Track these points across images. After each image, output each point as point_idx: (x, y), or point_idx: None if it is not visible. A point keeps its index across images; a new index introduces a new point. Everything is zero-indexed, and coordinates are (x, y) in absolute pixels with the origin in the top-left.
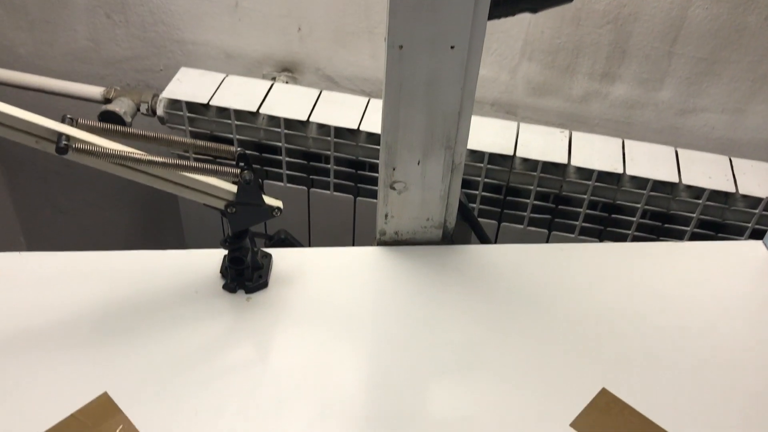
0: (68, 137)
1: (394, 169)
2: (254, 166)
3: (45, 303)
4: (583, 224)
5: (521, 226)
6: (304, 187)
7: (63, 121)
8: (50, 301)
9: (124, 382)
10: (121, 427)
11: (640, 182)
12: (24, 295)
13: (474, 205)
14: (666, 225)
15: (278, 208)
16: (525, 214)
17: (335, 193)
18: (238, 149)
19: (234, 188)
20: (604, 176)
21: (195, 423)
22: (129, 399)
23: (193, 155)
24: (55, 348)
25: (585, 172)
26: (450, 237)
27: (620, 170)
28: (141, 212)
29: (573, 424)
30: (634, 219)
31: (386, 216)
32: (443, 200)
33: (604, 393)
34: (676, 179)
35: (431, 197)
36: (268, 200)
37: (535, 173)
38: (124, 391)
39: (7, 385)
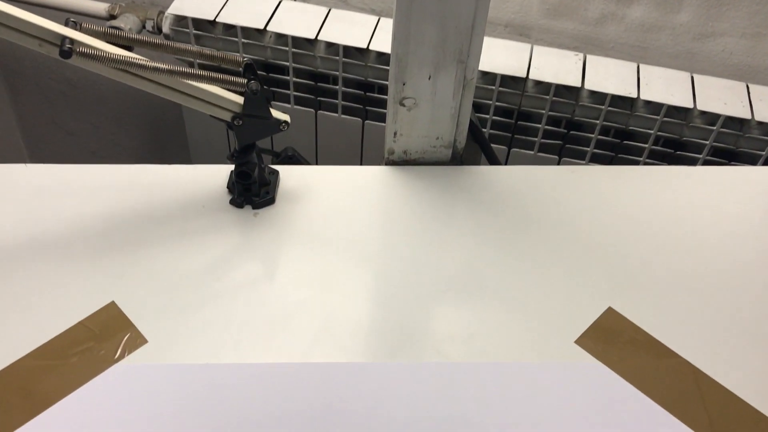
0: (72, 41)
1: (404, 84)
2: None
3: (51, 215)
4: (595, 150)
5: (531, 152)
6: (312, 110)
7: (66, 24)
8: (56, 213)
9: (131, 293)
10: (128, 335)
11: (653, 107)
12: (30, 206)
13: (484, 130)
14: (678, 152)
15: (285, 122)
16: (536, 139)
17: (343, 116)
18: (245, 58)
19: (240, 99)
20: (618, 101)
21: (201, 333)
22: (136, 309)
23: (199, 66)
24: (61, 258)
25: (598, 96)
26: (459, 158)
27: (634, 95)
28: (147, 135)
29: (578, 342)
30: (647, 145)
31: (395, 134)
32: (453, 119)
33: (610, 312)
34: (690, 105)
35: (441, 115)
36: (276, 113)
37: (547, 97)
38: (131, 301)
39: (16, 293)
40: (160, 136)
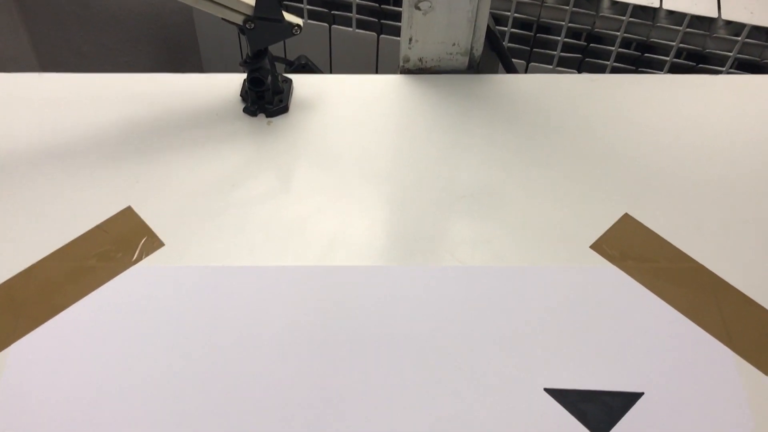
0: None
1: None
2: None
3: (66, 123)
4: (615, 64)
5: (550, 66)
6: (326, 24)
7: None
8: (71, 121)
9: (147, 198)
10: (145, 239)
11: (676, 18)
12: (46, 115)
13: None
14: (700, 65)
15: (298, 26)
16: (555, 53)
17: (358, 31)
18: None
19: (252, 1)
20: (639, 11)
21: (217, 238)
22: (152, 214)
23: None
24: (78, 165)
25: (619, 7)
26: (476, 66)
27: (656, 4)
28: (161, 56)
29: (593, 247)
30: (668, 58)
31: (410, 40)
32: (470, 23)
33: (626, 218)
34: (715, 14)
35: (458, 19)
36: (288, 17)
37: (567, 7)
38: (147, 206)
39: (34, 198)
40: (174, 58)
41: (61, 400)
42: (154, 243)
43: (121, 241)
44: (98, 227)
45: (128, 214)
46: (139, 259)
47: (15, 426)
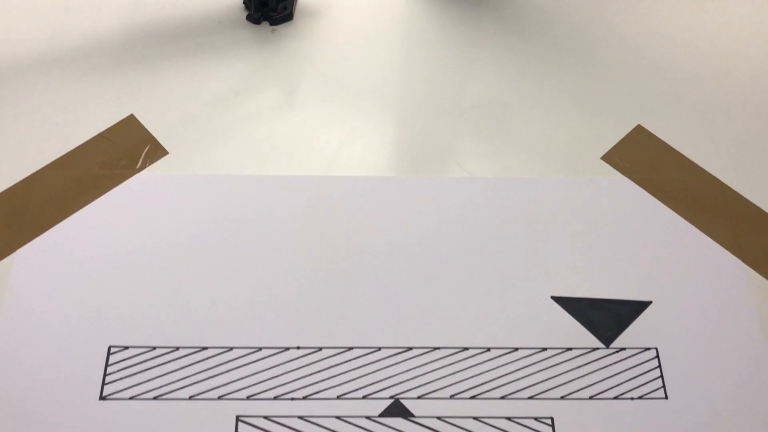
0: None
1: None
2: None
3: (67, 28)
4: None
5: None
6: None
7: None
8: (72, 26)
9: (150, 106)
10: (149, 147)
11: None
12: (45, 21)
13: None
14: None
15: None
16: None
17: None
18: None
19: None
20: None
21: (222, 146)
22: (155, 122)
23: None
24: (79, 72)
25: None
26: None
27: None
28: None
29: (604, 158)
30: None
31: None
32: None
33: (638, 129)
34: None
35: None
36: None
37: None
38: (150, 114)
39: (35, 106)
40: None
41: (67, 305)
42: (157, 151)
43: (124, 149)
44: (101, 135)
45: (131, 122)
46: (143, 167)
47: (21, 330)
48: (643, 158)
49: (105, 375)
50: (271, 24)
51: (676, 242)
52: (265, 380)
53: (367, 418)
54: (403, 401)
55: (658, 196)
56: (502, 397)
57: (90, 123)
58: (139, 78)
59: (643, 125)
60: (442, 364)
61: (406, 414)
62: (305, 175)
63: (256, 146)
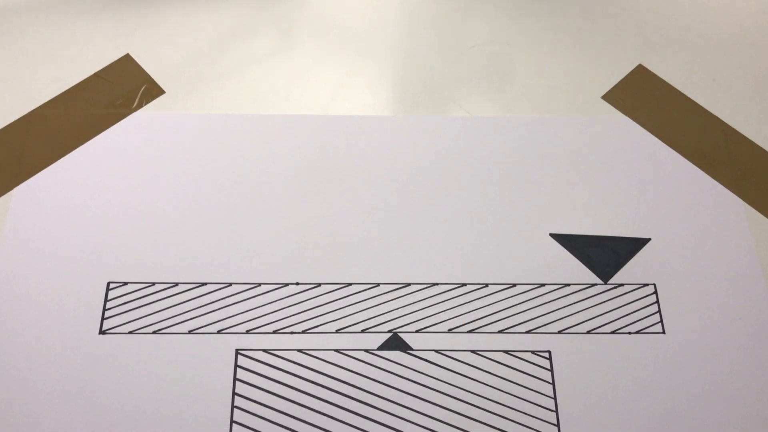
0: None
1: None
2: None
3: None
4: None
5: None
6: None
7: None
8: None
9: (145, 46)
10: (145, 86)
11: None
12: None
13: None
14: None
15: None
16: None
17: None
18: None
19: None
20: None
21: (218, 86)
22: (151, 61)
23: None
24: (74, 11)
25: None
26: None
27: None
28: None
29: (605, 97)
30: None
31: None
32: None
33: (640, 69)
34: None
35: None
36: None
37: None
38: (146, 54)
39: (31, 45)
40: None
41: (64, 242)
42: (153, 90)
43: (120, 89)
44: (96, 75)
45: (127, 61)
46: (139, 106)
47: (20, 267)
48: (644, 98)
49: (104, 310)
50: None
51: (676, 181)
52: (264, 315)
53: (366, 351)
54: (401, 335)
55: (659, 136)
56: (500, 332)
57: (86, 62)
58: (134, 17)
59: (644, 65)
60: (441, 300)
61: (404, 347)
62: (303, 114)
63: (253, 86)
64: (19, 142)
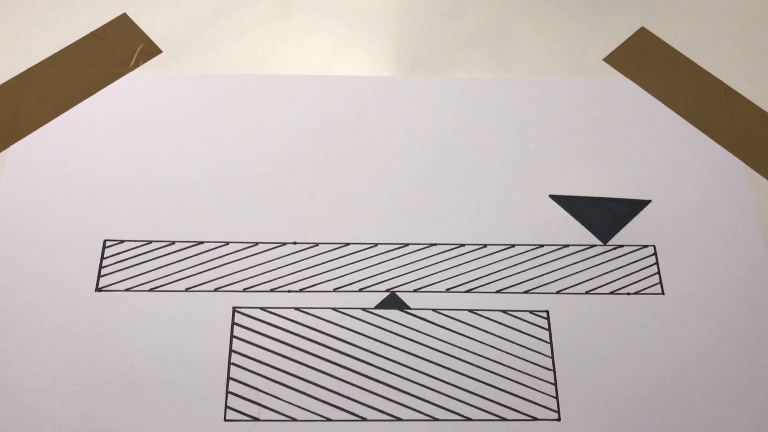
0: None
1: None
2: None
3: None
4: None
5: None
6: None
7: None
8: None
9: (142, 5)
10: (141, 46)
11: None
12: None
13: None
14: None
15: None
16: None
17: None
18: None
19: None
20: None
21: (216, 46)
22: (148, 21)
23: None
24: None
25: None
26: None
27: None
28: None
29: (607, 60)
30: None
31: None
32: None
33: (642, 31)
34: None
35: None
36: None
37: None
38: (142, 13)
39: (26, 4)
40: None
41: (60, 200)
42: (150, 50)
43: (116, 48)
44: (93, 34)
45: (124, 20)
46: (136, 65)
47: (15, 225)
48: (646, 60)
49: (100, 267)
50: None
51: (678, 143)
52: (261, 273)
53: (363, 309)
54: (399, 294)
55: (661, 98)
56: (498, 291)
57: (82, 21)
58: None
59: (646, 27)
60: (438, 260)
61: (401, 306)
62: (301, 74)
63: (252, 46)
64: (14, 101)
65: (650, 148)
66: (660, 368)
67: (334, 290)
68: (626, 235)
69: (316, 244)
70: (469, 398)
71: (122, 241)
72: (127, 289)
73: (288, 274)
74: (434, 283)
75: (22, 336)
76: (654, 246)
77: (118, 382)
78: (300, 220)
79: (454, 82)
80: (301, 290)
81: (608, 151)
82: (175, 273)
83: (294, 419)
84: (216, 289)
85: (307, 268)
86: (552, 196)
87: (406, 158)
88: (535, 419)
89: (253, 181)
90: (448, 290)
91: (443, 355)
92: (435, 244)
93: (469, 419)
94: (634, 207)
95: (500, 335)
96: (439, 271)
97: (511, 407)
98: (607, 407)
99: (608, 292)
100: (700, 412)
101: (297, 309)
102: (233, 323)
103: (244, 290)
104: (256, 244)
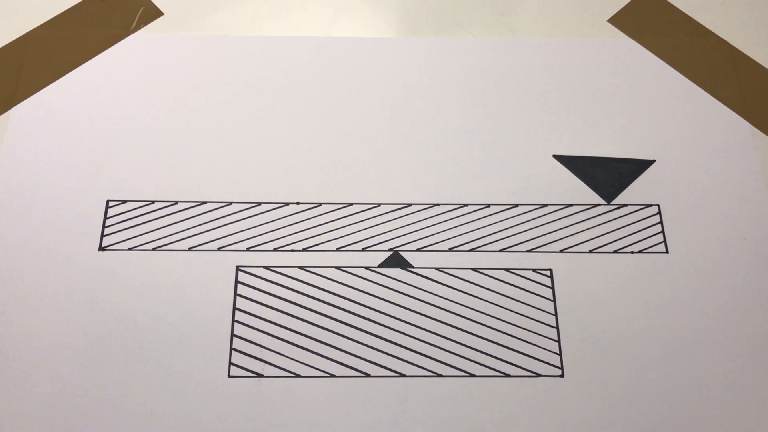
0: None
1: None
2: None
3: None
4: None
5: None
6: None
7: None
8: None
9: None
10: (143, 8)
11: None
12: None
13: None
14: None
15: None
16: None
17: None
18: None
19: None
20: None
21: (218, 7)
22: None
23: None
24: None
25: None
26: None
27: None
28: None
29: (611, 21)
30: None
31: None
32: None
33: None
34: None
35: None
36: None
37: None
38: None
39: None
40: None
41: (63, 161)
42: (151, 12)
43: (117, 10)
44: None
45: None
46: (137, 28)
47: (19, 186)
48: (651, 21)
49: (104, 227)
50: None
51: (683, 104)
52: (264, 233)
53: (367, 268)
54: (402, 253)
55: (665, 59)
56: (501, 250)
57: None
58: None
59: None
60: (442, 219)
61: (404, 265)
62: (303, 35)
63: (253, 7)
64: (16, 63)
65: (654, 109)
66: (663, 326)
67: (337, 249)
68: (630, 194)
69: (319, 204)
70: (473, 355)
71: (125, 201)
72: (130, 249)
73: (291, 234)
74: (437, 243)
75: (26, 294)
76: (658, 205)
77: (122, 339)
78: (302, 180)
79: (458, 43)
80: (304, 249)
81: (612, 112)
82: (179, 233)
83: (298, 375)
84: (219, 249)
85: (310, 228)
86: (556, 156)
87: (409, 119)
88: (539, 375)
89: (256, 141)
90: (451, 249)
91: (446, 312)
92: (438, 204)
93: (472, 375)
94: (638, 166)
95: (503, 293)
96: (442, 231)
97: (515, 364)
98: (609, 364)
99: (612, 251)
100: (703, 369)
101: (300, 268)
102: (237, 281)
103: (247, 249)
104: (259, 204)
